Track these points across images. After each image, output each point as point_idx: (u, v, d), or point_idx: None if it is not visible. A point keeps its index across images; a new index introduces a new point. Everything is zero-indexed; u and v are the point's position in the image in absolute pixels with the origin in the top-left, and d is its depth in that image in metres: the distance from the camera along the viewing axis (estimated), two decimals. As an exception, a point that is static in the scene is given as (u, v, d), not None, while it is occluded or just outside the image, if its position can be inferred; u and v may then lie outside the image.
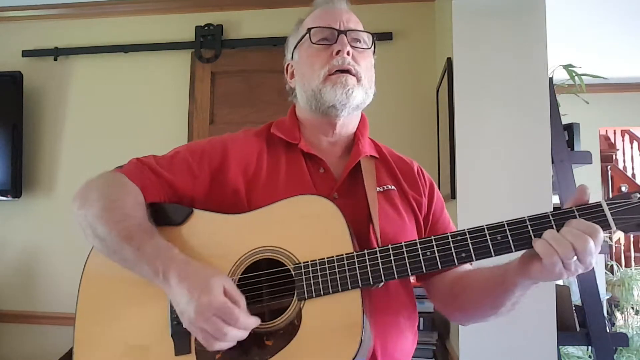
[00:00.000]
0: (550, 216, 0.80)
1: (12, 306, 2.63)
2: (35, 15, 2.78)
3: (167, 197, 0.97)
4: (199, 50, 2.64)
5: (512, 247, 0.81)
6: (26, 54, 2.75)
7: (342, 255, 0.86)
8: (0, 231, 2.71)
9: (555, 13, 2.12)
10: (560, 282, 2.00)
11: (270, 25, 2.59)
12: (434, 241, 0.85)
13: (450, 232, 0.86)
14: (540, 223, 0.80)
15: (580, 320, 1.88)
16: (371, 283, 0.85)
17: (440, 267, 0.85)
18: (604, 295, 3.58)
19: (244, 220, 0.93)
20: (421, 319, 1.99)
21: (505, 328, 1.72)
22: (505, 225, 0.82)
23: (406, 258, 0.85)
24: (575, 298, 1.96)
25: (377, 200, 0.99)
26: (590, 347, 1.94)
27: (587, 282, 1.85)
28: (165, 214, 0.94)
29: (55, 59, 2.73)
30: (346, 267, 0.85)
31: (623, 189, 0.85)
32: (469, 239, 0.84)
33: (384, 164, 1.09)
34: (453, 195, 1.86)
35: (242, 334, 0.80)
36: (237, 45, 2.64)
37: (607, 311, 3.95)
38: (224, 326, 0.78)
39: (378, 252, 0.86)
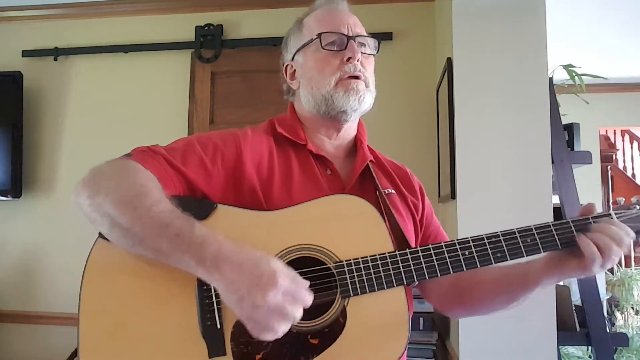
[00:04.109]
0: (571, 222, 0.89)
1: (12, 306, 2.64)
2: (35, 15, 2.79)
3: (183, 191, 0.91)
4: (199, 50, 2.64)
5: (541, 249, 0.88)
6: (26, 54, 2.75)
7: (385, 253, 0.88)
8: (0, 231, 2.71)
9: (555, 13, 2.12)
10: (560, 282, 2.00)
11: (270, 25, 2.59)
12: (471, 241, 0.90)
13: (485, 234, 0.90)
14: (562, 227, 0.89)
15: (580, 320, 1.88)
16: (415, 281, 0.88)
17: (479, 266, 0.89)
18: (604, 295, 3.58)
19: (276, 218, 0.90)
20: (421, 319, 2.00)
21: (505, 328, 1.72)
22: (534, 229, 0.89)
23: (447, 257, 0.89)
24: (575, 298, 1.96)
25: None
26: (590, 347, 1.94)
27: (587, 282, 1.85)
28: (186, 207, 0.83)
29: (55, 59, 2.73)
30: (390, 266, 0.88)
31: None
32: (502, 240, 0.89)
33: (381, 168, 1.11)
34: (453, 195, 1.86)
35: (301, 313, 0.76)
36: (237, 45, 2.64)
37: (607, 311, 3.95)
38: (292, 307, 0.74)
39: (420, 252, 0.89)
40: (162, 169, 0.89)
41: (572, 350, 2.51)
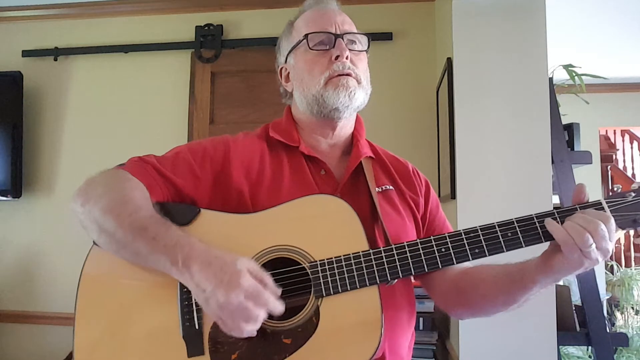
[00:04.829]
0: (556, 213, 0.84)
1: (12, 306, 2.64)
2: (35, 15, 2.78)
3: (171, 197, 0.95)
4: (199, 50, 2.64)
5: (522, 242, 0.85)
6: (26, 54, 2.75)
7: (359, 252, 0.88)
8: (0, 231, 2.71)
9: (555, 13, 2.12)
10: (560, 282, 2.00)
11: (270, 25, 2.58)
12: (447, 238, 0.88)
13: (463, 229, 0.88)
14: (544, 220, 0.84)
15: (580, 320, 1.88)
16: (388, 279, 0.87)
17: (455, 263, 0.87)
18: (604, 295, 3.58)
19: (255, 220, 0.92)
20: (421, 319, 2.00)
21: (506, 328, 1.72)
22: (515, 222, 0.86)
23: (422, 254, 0.88)
24: (575, 298, 1.96)
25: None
26: (590, 347, 1.94)
27: (587, 282, 1.85)
28: (171, 213, 0.90)
29: (55, 59, 2.73)
30: (363, 264, 0.87)
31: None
32: (481, 235, 0.87)
33: (381, 164, 1.10)
34: (453, 195, 1.86)
35: (265, 315, 0.80)
36: (237, 45, 2.64)
37: (607, 311, 3.95)
38: (255, 308, 0.77)
39: (394, 249, 0.88)
40: (151, 177, 0.94)
41: (572, 350, 2.51)
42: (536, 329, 1.72)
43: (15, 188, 2.61)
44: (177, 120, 2.62)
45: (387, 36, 2.47)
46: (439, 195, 2.26)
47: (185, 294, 0.87)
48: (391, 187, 1.06)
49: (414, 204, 1.07)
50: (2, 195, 2.61)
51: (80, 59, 2.75)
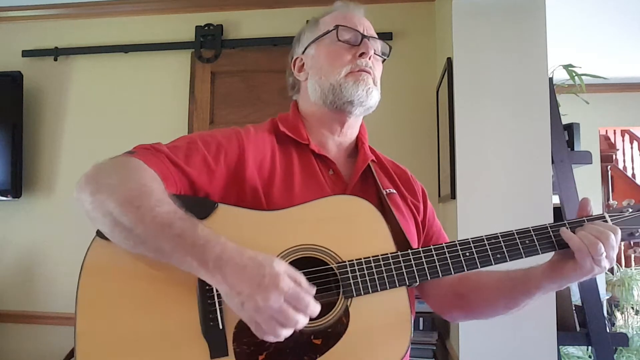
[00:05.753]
0: (567, 223, 0.91)
1: (12, 306, 2.64)
2: (35, 15, 2.78)
3: (184, 190, 0.91)
4: (199, 50, 2.64)
5: (539, 249, 0.90)
6: (26, 54, 2.75)
7: (387, 254, 0.89)
8: (0, 231, 2.71)
9: (555, 13, 2.12)
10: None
11: (270, 25, 2.59)
12: (471, 242, 0.91)
13: (485, 235, 0.91)
14: (558, 229, 0.91)
15: (580, 320, 1.88)
16: (417, 281, 0.89)
17: (479, 267, 0.90)
18: (604, 295, 3.58)
19: (276, 218, 0.90)
20: (421, 319, 2.00)
21: (506, 328, 1.72)
22: (532, 231, 0.91)
23: (448, 258, 0.90)
24: (575, 298, 1.96)
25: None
26: (590, 347, 1.94)
27: (587, 282, 1.85)
28: (187, 207, 0.82)
29: (55, 59, 2.73)
30: (392, 266, 0.88)
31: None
32: (502, 241, 0.91)
33: (383, 168, 1.11)
34: (453, 195, 1.86)
35: (306, 321, 0.76)
36: (237, 45, 2.64)
37: (607, 311, 3.95)
38: (295, 313, 0.74)
39: (422, 252, 0.90)
40: (165, 167, 0.89)
41: (572, 350, 2.51)
42: (536, 329, 1.72)
43: (15, 188, 2.61)
44: (177, 120, 2.62)
45: (387, 36, 2.47)
46: (439, 195, 2.26)
47: (207, 291, 0.83)
48: (394, 191, 1.07)
49: (414, 208, 1.09)
50: (2, 195, 2.61)
51: (80, 59, 2.75)
